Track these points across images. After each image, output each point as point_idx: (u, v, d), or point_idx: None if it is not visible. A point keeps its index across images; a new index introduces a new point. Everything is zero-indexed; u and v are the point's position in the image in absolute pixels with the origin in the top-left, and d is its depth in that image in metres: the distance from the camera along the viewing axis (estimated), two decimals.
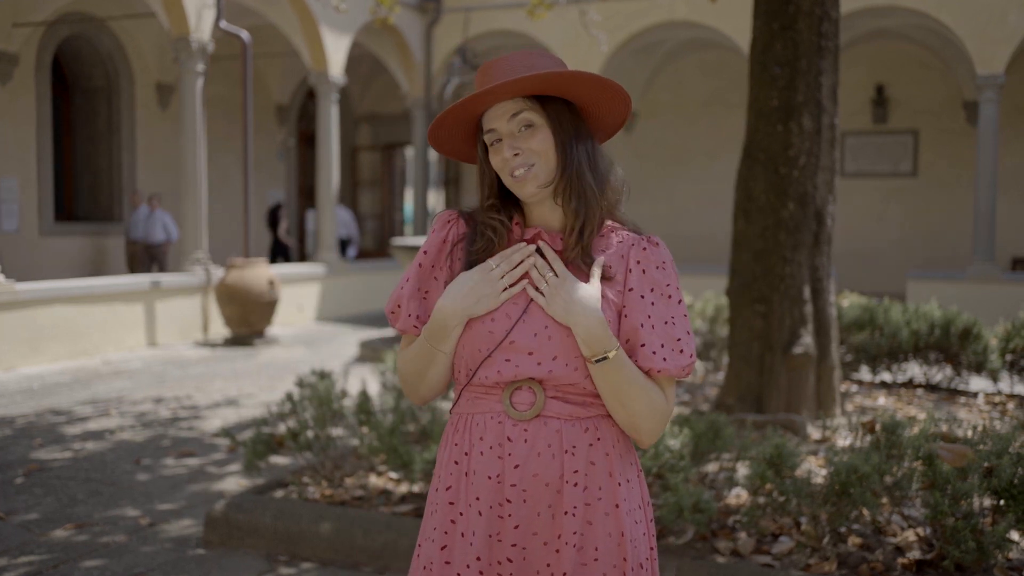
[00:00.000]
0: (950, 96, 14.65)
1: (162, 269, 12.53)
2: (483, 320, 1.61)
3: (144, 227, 12.60)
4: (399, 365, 1.73)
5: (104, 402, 6.93)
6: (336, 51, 12.74)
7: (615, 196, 1.68)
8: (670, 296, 1.63)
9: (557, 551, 1.59)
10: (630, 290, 1.62)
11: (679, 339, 1.61)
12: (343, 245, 16.30)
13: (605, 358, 1.55)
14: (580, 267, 1.63)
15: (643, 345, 1.60)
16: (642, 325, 1.61)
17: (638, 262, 1.64)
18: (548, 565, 1.59)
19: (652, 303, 1.62)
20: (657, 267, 1.64)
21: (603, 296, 1.62)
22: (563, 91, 1.62)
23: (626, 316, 1.62)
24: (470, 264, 1.66)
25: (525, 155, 1.60)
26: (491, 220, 1.67)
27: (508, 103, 1.61)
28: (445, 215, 1.73)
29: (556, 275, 1.59)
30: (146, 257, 12.66)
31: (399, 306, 1.70)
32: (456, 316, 1.60)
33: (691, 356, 1.61)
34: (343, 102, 16.74)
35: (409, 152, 18.77)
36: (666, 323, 1.61)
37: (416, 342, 1.67)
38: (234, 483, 4.83)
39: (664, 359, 1.59)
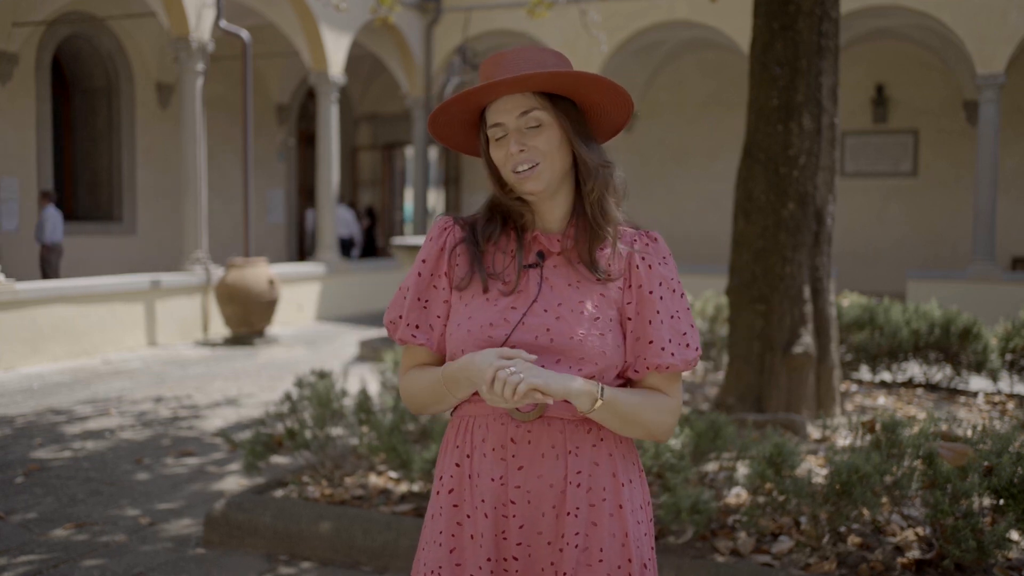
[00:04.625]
0: (950, 96, 14.65)
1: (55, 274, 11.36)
2: (482, 326, 1.60)
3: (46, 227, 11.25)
4: (405, 387, 1.71)
5: (104, 402, 6.93)
6: (336, 51, 12.74)
7: (617, 197, 1.67)
8: (674, 290, 1.64)
9: (560, 551, 1.59)
10: (639, 287, 1.62)
11: (685, 333, 1.62)
12: (344, 244, 16.30)
13: (598, 402, 1.54)
14: (579, 267, 1.63)
15: (651, 342, 1.61)
16: (650, 322, 1.61)
17: (643, 258, 1.63)
18: (552, 564, 1.60)
19: (661, 297, 1.62)
20: (660, 262, 1.64)
21: (601, 294, 1.62)
22: (571, 91, 1.61)
23: (638, 313, 1.61)
24: (472, 255, 1.65)
25: (530, 152, 1.58)
26: (514, 203, 1.66)
27: (518, 98, 1.58)
28: (441, 222, 1.71)
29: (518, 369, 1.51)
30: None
31: (399, 316, 1.69)
32: (480, 376, 1.53)
33: (696, 349, 1.62)
34: (343, 102, 16.73)
35: (409, 152, 18.77)
36: (672, 317, 1.62)
37: (431, 381, 1.64)
38: (234, 483, 4.83)
39: (672, 354, 1.60)
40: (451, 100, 1.61)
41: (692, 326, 1.63)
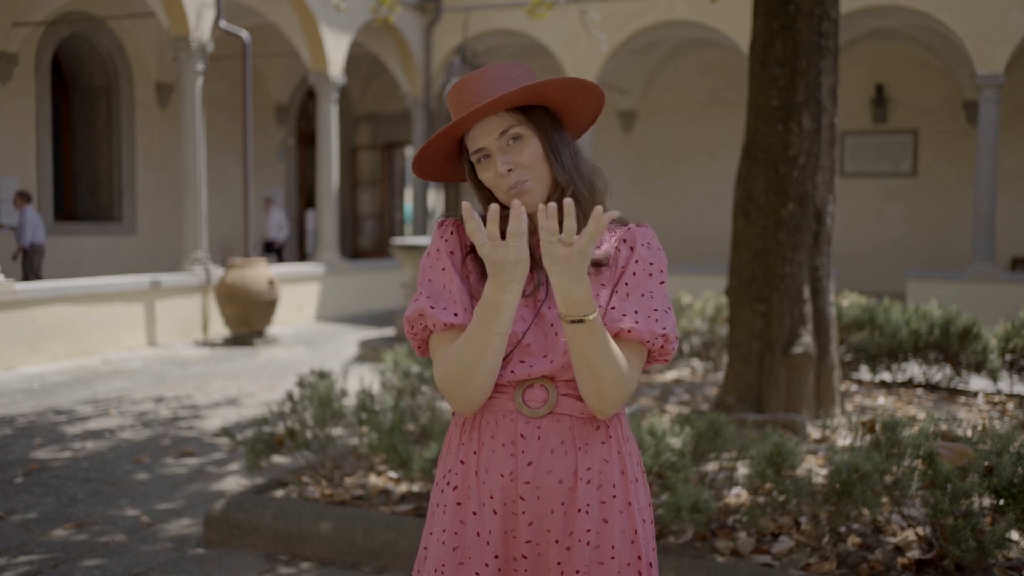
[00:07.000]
0: (950, 96, 14.65)
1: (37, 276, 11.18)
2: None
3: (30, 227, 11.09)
4: (442, 369, 1.59)
5: (104, 402, 6.93)
6: (336, 51, 12.74)
7: (600, 198, 1.69)
8: (651, 274, 1.64)
9: (568, 548, 1.59)
10: (622, 269, 1.64)
11: (655, 309, 1.60)
12: (270, 247, 15.77)
13: (581, 321, 1.49)
14: None
15: (613, 308, 1.60)
16: (616, 291, 1.62)
17: (624, 240, 1.67)
18: (559, 563, 1.60)
19: (633, 273, 1.63)
20: (642, 245, 1.66)
21: (602, 284, 1.64)
22: (542, 98, 1.64)
23: (614, 290, 1.63)
24: (481, 270, 1.66)
25: (518, 171, 1.61)
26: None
27: (494, 119, 1.62)
28: (446, 224, 1.71)
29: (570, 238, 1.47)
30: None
31: (421, 314, 1.62)
32: (509, 289, 1.51)
33: (664, 328, 1.58)
34: (343, 102, 16.74)
35: (409, 152, 18.78)
36: (643, 295, 1.62)
37: (467, 330, 1.56)
38: (234, 482, 4.83)
39: (636, 322, 1.57)
40: (431, 140, 1.65)
41: (667, 310, 1.60)
